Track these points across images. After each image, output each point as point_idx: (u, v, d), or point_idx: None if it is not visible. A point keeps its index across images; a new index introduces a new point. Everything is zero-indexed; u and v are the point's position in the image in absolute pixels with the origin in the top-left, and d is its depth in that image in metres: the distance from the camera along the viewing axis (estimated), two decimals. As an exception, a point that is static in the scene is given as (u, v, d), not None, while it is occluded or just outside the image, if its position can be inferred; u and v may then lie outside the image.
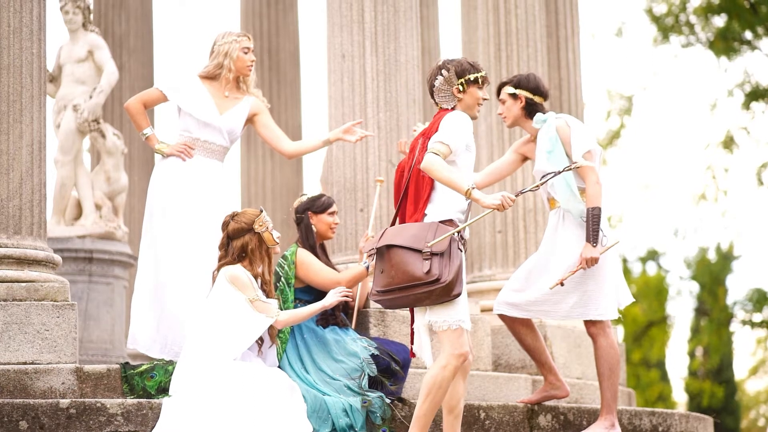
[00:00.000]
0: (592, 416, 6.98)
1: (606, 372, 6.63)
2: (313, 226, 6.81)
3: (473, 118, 6.01)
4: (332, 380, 6.37)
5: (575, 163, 6.07)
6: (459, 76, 5.94)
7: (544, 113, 6.79)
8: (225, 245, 6.22)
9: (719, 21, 19.02)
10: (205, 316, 6.08)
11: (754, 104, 19.28)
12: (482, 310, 7.76)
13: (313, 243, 6.80)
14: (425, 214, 5.82)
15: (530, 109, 6.79)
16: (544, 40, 8.79)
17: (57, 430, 5.74)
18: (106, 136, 9.60)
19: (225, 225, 6.25)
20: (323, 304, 6.26)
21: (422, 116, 7.67)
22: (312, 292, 6.70)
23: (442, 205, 5.82)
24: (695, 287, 25.11)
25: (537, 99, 6.81)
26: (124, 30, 11.15)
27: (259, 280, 6.18)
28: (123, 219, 9.83)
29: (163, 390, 6.24)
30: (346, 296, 6.31)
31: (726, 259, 25.37)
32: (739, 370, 29.54)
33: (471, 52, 8.71)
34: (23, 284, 6.37)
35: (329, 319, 6.64)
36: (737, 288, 39.09)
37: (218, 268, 6.19)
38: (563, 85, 9.17)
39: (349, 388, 6.33)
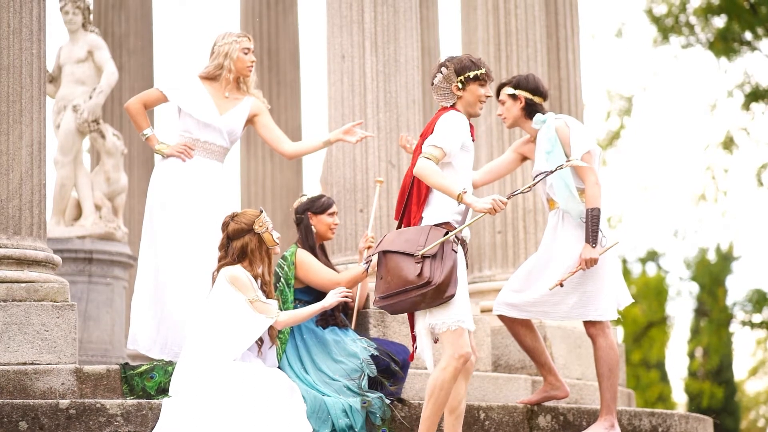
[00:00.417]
0: (592, 417, 6.98)
1: (605, 372, 6.63)
2: (312, 226, 6.81)
3: (475, 115, 5.99)
4: (332, 381, 6.37)
5: (569, 160, 6.05)
6: (458, 73, 5.93)
7: (543, 114, 6.79)
8: (225, 246, 6.22)
9: (719, 22, 19.03)
10: (205, 317, 6.08)
11: (753, 105, 19.29)
12: (482, 311, 7.76)
13: (313, 244, 6.80)
14: (422, 217, 5.84)
15: (530, 110, 6.79)
16: (544, 40, 8.79)
17: (57, 430, 5.74)
18: (106, 136, 9.60)
19: (225, 225, 6.25)
20: (323, 304, 6.26)
21: (422, 117, 7.67)
22: (312, 293, 6.70)
23: (438, 208, 5.82)
24: (695, 288, 25.12)
25: (537, 99, 6.81)
26: (124, 30, 11.15)
27: (259, 281, 6.18)
28: (123, 219, 9.83)
29: (163, 390, 6.24)
30: (346, 296, 6.31)
31: (726, 259, 25.37)
32: (739, 370, 29.56)
33: (471, 52, 8.69)
34: (23, 285, 6.37)
35: (329, 319, 6.64)
36: (737, 289, 39.12)
37: (218, 269, 6.19)
38: (563, 85, 9.17)
39: (349, 389, 6.33)
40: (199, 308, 6.21)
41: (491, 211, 5.64)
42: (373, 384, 6.40)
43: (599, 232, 6.52)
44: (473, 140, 6.02)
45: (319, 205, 6.84)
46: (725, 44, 18.77)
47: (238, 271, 6.10)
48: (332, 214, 6.86)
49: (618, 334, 10.24)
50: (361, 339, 6.62)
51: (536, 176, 5.94)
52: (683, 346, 27.80)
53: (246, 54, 6.95)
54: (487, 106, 8.47)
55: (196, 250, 6.70)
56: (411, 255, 5.68)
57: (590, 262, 6.50)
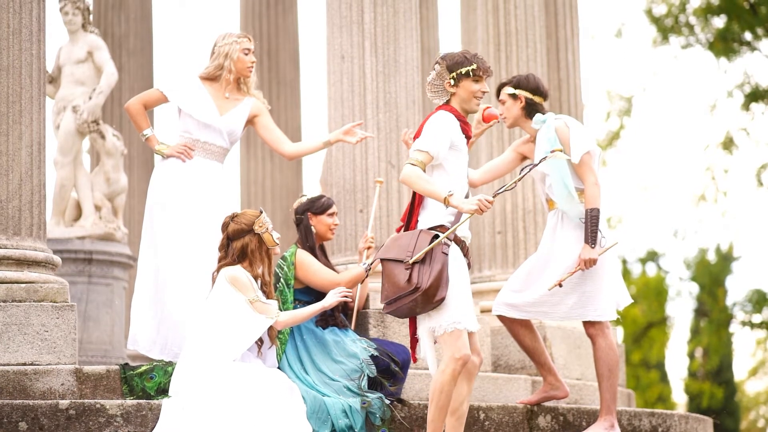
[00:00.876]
0: (592, 417, 6.98)
1: (605, 373, 6.63)
2: (312, 227, 6.81)
3: (472, 111, 5.96)
4: (332, 381, 6.37)
5: (553, 152, 6.01)
6: (450, 69, 5.90)
7: (543, 114, 6.79)
8: (225, 246, 6.22)
9: (719, 22, 19.02)
10: (205, 317, 6.08)
11: (753, 105, 19.28)
12: (482, 311, 7.77)
13: (313, 244, 6.80)
14: (418, 221, 5.85)
15: (530, 110, 6.79)
16: (544, 41, 8.79)
17: (56, 431, 5.74)
18: (106, 137, 9.60)
19: (225, 226, 6.25)
20: (323, 304, 6.26)
21: (422, 117, 7.66)
22: (311, 293, 6.70)
23: (433, 211, 5.82)
24: (695, 288, 25.12)
25: (537, 99, 6.81)
26: (124, 31, 11.15)
27: (259, 281, 6.18)
28: (122, 220, 9.83)
29: (163, 391, 6.24)
30: (346, 296, 6.31)
31: (726, 260, 25.36)
32: (739, 371, 29.56)
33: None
34: (23, 285, 6.37)
35: (329, 320, 6.64)
36: (737, 289, 39.12)
37: (218, 269, 6.19)
38: (563, 86, 9.17)
39: (349, 389, 6.33)
40: (199, 309, 6.21)
41: (478, 212, 5.63)
42: (373, 384, 6.40)
43: (598, 233, 6.52)
44: (470, 137, 5.98)
45: (318, 206, 6.84)
46: (725, 44, 18.77)
47: (238, 271, 6.10)
48: (332, 214, 6.86)
49: (618, 335, 10.24)
50: (360, 339, 6.62)
51: (522, 170, 5.91)
52: (683, 347, 27.83)
53: (246, 54, 6.95)
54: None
55: (196, 250, 6.70)
56: (401, 261, 5.71)
57: (589, 263, 6.50)
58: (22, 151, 6.53)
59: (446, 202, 5.67)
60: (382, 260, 5.82)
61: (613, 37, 22.15)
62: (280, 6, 11.60)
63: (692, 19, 19.26)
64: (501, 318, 6.91)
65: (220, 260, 6.22)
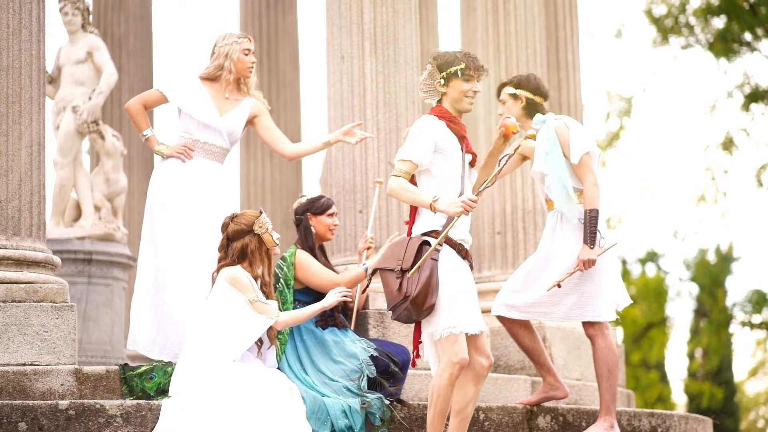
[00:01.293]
0: (591, 417, 6.98)
1: (605, 373, 6.63)
2: (312, 227, 6.82)
3: (464, 111, 5.91)
4: (331, 381, 6.37)
5: (526, 138, 5.94)
6: (440, 69, 5.87)
7: (544, 113, 6.79)
8: (225, 247, 6.22)
9: (719, 22, 19.02)
10: (204, 318, 6.08)
11: (753, 106, 19.27)
12: (481, 312, 7.75)
13: (313, 244, 6.80)
14: (413, 227, 5.86)
15: (531, 109, 6.79)
16: (544, 41, 8.79)
17: (56, 431, 5.74)
18: (106, 137, 9.60)
19: (225, 226, 6.25)
20: (323, 304, 6.26)
21: (421, 117, 7.66)
22: (311, 294, 6.70)
23: (426, 217, 5.82)
24: (695, 289, 25.11)
25: (537, 99, 6.81)
26: (124, 31, 11.15)
27: (259, 282, 6.18)
28: (122, 220, 9.83)
29: (163, 391, 6.24)
30: (346, 296, 6.31)
31: (725, 260, 25.35)
32: (739, 371, 29.55)
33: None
34: (22, 285, 6.37)
35: (328, 320, 6.64)
36: (737, 289, 39.13)
37: (218, 270, 6.19)
38: (562, 86, 9.17)
39: (348, 390, 6.33)
40: (199, 309, 6.21)
41: (464, 212, 5.62)
42: (373, 385, 6.40)
43: (597, 233, 6.52)
44: (463, 136, 5.89)
45: (318, 206, 6.84)
46: (725, 45, 18.77)
47: (238, 271, 6.10)
48: (332, 214, 6.86)
49: (617, 335, 10.26)
50: (360, 340, 6.62)
51: (499, 162, 5.88)
52: (683, 347, 27.83)
53: (246, 55, 6.95)
54: (487, 107, 8.48)
55: (196, 251, 6.69)
56: (392, 270, 5.74)
57: (588, 263, 6.50)
58: (21, 152, 6.53)
59: (432, 208, 5.67)
60: (378, 269, 5.84)
61: (613, 38, 22.15)
62: (279, 6, 11.60)
63: (692, 20, 19.26)
64: (500, 318, 6.91)
65: (219, 260, 6.22)
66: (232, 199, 7.09)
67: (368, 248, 6.89)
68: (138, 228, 7.79)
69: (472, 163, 6.02)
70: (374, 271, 6.02)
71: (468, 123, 8.53)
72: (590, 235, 6.49)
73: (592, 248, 6.50)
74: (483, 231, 8.58)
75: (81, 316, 9.09)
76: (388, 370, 6.48)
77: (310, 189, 11.37)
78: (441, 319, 5.68)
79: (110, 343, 9.40)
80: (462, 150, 5.86)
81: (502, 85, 6.92)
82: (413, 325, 5.85)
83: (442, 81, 5.87)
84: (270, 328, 6.12)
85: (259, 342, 6.14)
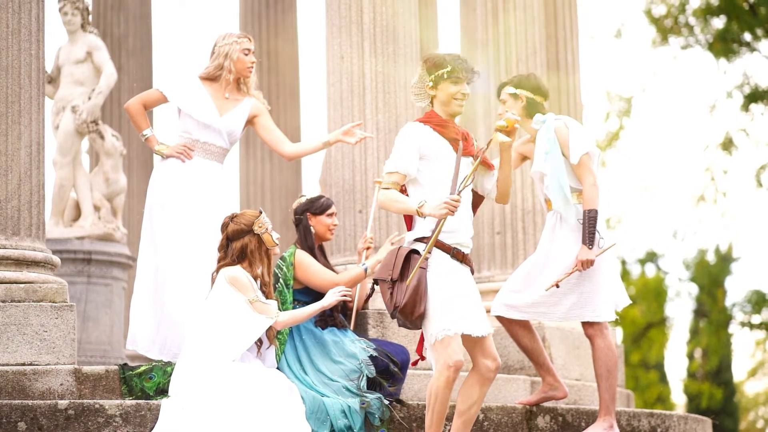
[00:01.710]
0: (591, 417, 6.98)
1: (604, 373, 6.63)
2: (311, 227, 6.82)
3: (454, 114, 5.88)
4: (331, 381, 6.37)
5: (496, 131, 5.89)
6: (429, 72, 5.86)
7: (544, 113, 6.79)
8: (224, 246, 6.21)
9: (718, 22, 19.02)
10: (204, 318, 6.07)
11: (753, 106, 19.27)
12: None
13: (312, 244, 6.80)
14: (407, 235, 5.90)
15: (531, 109, 6.79)
16: (543, 41, 8.78)
17: (55, 431, 5.74)
18: (105, 137, 9.60)
19: (224, 226, 6.25)
20: (322, 304, 6.26)
21: (421, 118, 7.67)
22: (310, 294, 6.70)
23: (419, 224, 5.82)
24: (694, 289, 25.10)
25: (538, 98, 6.81)
26: (123, 31, 11.15)
27: (259, 281, 6.18)
28: (122, 220, 9.83)
29: (162, 391, 6.24)
30: (345, 295, 6.31)
31: (725, 260, 25.35)
32: (738, 371, 29.55)
33: (470, 53, 8.71)
34: (22, 285, 6.37)
35: (328, 320, 6.64)
36: (736, 290, 39.14)
37: (217, 270, 6.19)
38: (562, 86, 9.17)
39: (348, 390, 6.33)
40: (199, 309, 6.21)
41: (449, 213, 5.60)
42: (372, 385, 6.40)
43: (596, 234, 6.52)
44: (457, 138, 5.84)
45: (318, 206, 6.84)
46: (724, 45, 18.76)
47: (238, 271, 6.09)
48: (331, 214, 6.86)
49: (617, 335, 10.26)
50: (360, 340, 6.62)
51: (475, 156, 5.85)
52: (682, 347, 27.83)
53: (246, 55, 6.95)
54: (486, 107, 8.48)
55: (196, 250, 6.69)
56: (385, 281, 5.77)
57: (586, 264, 6.50)
58: (21, 151, 6.53)
59: (419, 213, 5.68)
60: (376, 279, 5.88)
61: (613, 38, 22.14)
62: (279, 6, 11.60)
63: (692, 20, 19.25)
64: (499, 318, 6.91)
65: (219, 260, 6.22)
66: (231, 199, 7.09)
67: (368, 248, 6.89)
68: (137, 228, 7.78)
69: (484, 162, 5.96)
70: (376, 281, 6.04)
71: (468, 123, 8.56)
72: (589, 236, 6.50)
73: (590, 248, 6.50)
74: (482, 231, 8.58)
75: (80, 316, 9.09)
76: (388, 370, 6.47)
77: (310, 189, 11.37)
78: (434, 323, 5.68)
79: (110, 343, 9.40)
80: (458, 152, 5.82)
81: (503, 85, 6.92)
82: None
83: (431, 84, 5.86)
84: (269, 328, 6.12)
85: (259, 342, 6.14)
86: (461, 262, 5.82)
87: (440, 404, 5.72)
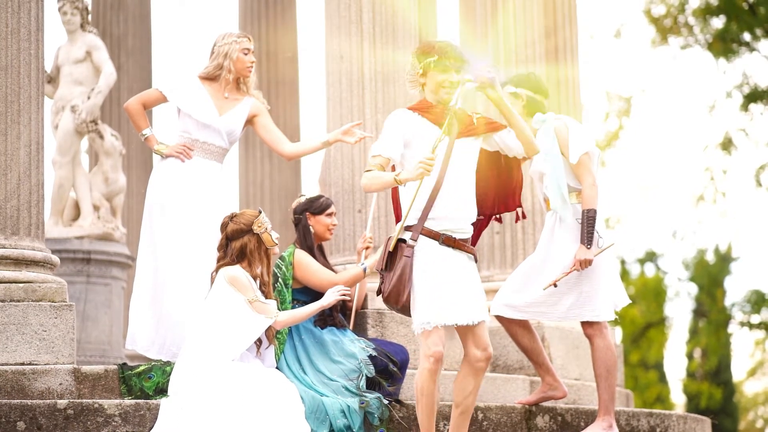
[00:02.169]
0: (590, 417, 6.98)
1: (603, 373, 6.64)
2: (311, 227, 6.82)
3: (444, 102, 5.83)
4: (330, 381, 6.37)
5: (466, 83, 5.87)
6: (419, 60, 5.85)
7: (545, 112, 6.79)
8: (224, 246, 6.21)
9: (718, 22, 19.02)
10: (203, 317, 6.07)
11: (752, 106, 19.27)
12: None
13: (311, 244, 6.80)
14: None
15: (532, 108, 6.79)
16: (543, 41, 8.79)
17: (55, 430, 5.74)
18: (104, 136, 9.61)
19: (224, 226, 6.25)
20: (321, 303, 6.26)
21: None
22: (309, 293, 6.70)
23: (406, 214, 5.82)
24: (693, 289, 25.12)
25: (539, 97, 6.81)
26: (123, 31, 11.15)
27: (258, 281, 6.18)
28: (121, 220, 9.83)
29: (161, 391, 6.24)
30: (344, 295, 6.31)
31: (724, 260, 25.37)
32: (738, 371, 29.58)
33: (469, 53, 8.69)
34: (21, 285, 6.37)
35: (327, 320, 6.64)
36: (736, 289, 39.19)
37: (217, 269, 6.18)
38: (561, 86, 9.16)
39: (347, 389, 6.33)
40: (198, 309, 6.21)
41: (425, 173, 5.57)
42: (371, 384, 6.40)
43: (595, 233, 6.53)
44: (451, 124, 5.79)
45: (317, 206, 6.84)
46: (724, 45, 18.77)
47: (237, 271, 6.09)
48: (330, 214, 6.86)
49: (616, 335, 10.26)
50: (359, 339, 6.62)
51: (447, 114, 5.80)
52: (682, 347, 27.84)
53: (246, 54, 6.94)
54: (486, 104, 8.47)
55: (195, 250, 6.69)
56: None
57: (584, 263, 6.50)
58: (20, 151, 6.53)
59: (397, 182, 5.68)
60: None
61: (612, 38, 22.15)
62: (278, 6, 11.60)
63: (691, 20, 19.26)
64: (499, 318, 6.91)
65: (218, 260, 6.21)
66: (231, 198, 7.09)
67: (367, 248, 6.89)
68: (137, 227, 7.79)
69: (489, 124, 5.89)
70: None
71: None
72: (587, 235, 6.50)
73: (589, 248, 6.50)
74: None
75: (80, 316, 9.09)
76: (387, 369, 6.48)
77: (309, 188, 11.37)
78: (417, 316, 5.71)
79: (109, 343, 9.40)
80: (451, 136, 5.77)
81: (502, 84, 6.91)
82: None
83: (421, 71, 5.85)
84: (269, 328, 6.12)
85: (258, 342, 6.14)
86: (454, 248, 5.79)
87: (426, 397, 5.71)
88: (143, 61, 11.29)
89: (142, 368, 6.37)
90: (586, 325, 6.71)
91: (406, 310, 5.75)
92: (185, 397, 5.80)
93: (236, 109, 6.97)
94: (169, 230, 6.78)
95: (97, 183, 9.64)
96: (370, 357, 6.46)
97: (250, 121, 7.05)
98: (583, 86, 9.35)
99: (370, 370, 6.42)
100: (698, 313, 25.34)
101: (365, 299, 7.05)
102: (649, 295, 24.95)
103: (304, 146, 7.20)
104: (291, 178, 11.46)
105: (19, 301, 6.33)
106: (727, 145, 20.03)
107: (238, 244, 6.15)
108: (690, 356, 26.99)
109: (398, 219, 5.97)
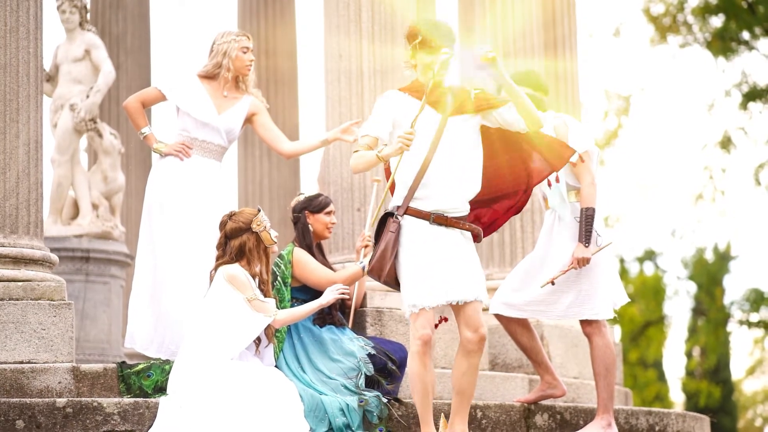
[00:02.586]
0: (589, 415, 6.98)
1: (602, 371, 6.64)
2: (310, 225, 6.82)
3: (435, 83, 5.78)
4: (329, 379, 6.37)
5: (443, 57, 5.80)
6: (408, 42, 5.86)
7: (545, 109, 6.79)
8: (223, 245, 6.21)
9: (717, 21, 19.03)
10: (202, 316, 6.07)
11: (751, 104, 19.28)
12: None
13: (310, 242, 6.80)
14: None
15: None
16: (542, 39, 8.79)
17: (54, 429, 5.74)
18: (103, 135, 9.60)
19: (223, 224, 6.25)
20: (320, 302, 6.26)
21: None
22: (308, 292, 6.70)
23: (395, 194, 5.85)
24: (692, 287, 25.13)
25: (538, 94, 6.80)
26: (121, 29, 11.15)
27: (257, 280, 6.18)
28: (120, 218, 9.83)
29: (160, 389, 6.24)
30: (343, 293, 6.31)
31: (723, 259, 25.39)
32: (736, 370, 29.61)
33: (468, 52, 8.69)
34: (20, 283, 6.37)
35: (326, 318, 6.65)
36: (734, 288, 39.18)
37: (216, 268, 6.18)
38: (560, 84, 9.17)
39: (346, 388, 6.33)
40: (197, 307, 6.20)
41: (405, 148, 5.59)
42: (370, 383, 6.40)
43: (594, 232, 6.53)
44: (436, 100, 5.77)
45: (316, 204, 6.84)
46: (723, 44, 18.77)
47: (236, 270, 6.09)
48: (329, 213, 6.86)
49: (615, 333, 10.27)
50: (358, 338, 6.62)
51: (427, 86, 5.79)
52: (681, 346, 27.85)
53: (245, 53, 6.94)
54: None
55: (194, 249, 6.69)
56: None
57: (582, 262, 6.51)
58: (19, 150, 6.53)
59: (379, 158, 5.69)
60: None
61: (611, 36, 22.14)
62: (278, 4, 11.60)
63: (690, 18, 19.26)
64: (498, 317, 6.91)
65: (217, 259, 6.21)
66: (230, 197, 7.09)
67: (366, 246, 6.88)
68: (136, 226, 7.79)
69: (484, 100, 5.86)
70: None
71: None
72: (586, 234, 6.50)
73: (587, 246, 6.50)
74: (481, 229, 8.57)
75: (79, 314, 9.09)
76: (386, 368, 6.48)
77: (308, 187, 11.36)
78: (405, 297, 5.74)
79: (108, 341, 9.40)
80: (444, 114, 5.76)
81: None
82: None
83: (410, 53, 5.85)
84: (268, 327, 6.12)
85: (257, 340, 6.14)
86: (447, 226, 5.76)
87: (418, 381, 5.72)
88: (142, 60, 11.28)
89: (141, 367, 6.36)
90: (585, 323, 6.71)
91: (390, 284, 5.79)
92: (184, 395, 5.80)
93: (235, 107, 6.97)
94: (168, 229, 6.78)
95: (96, 182, 9.63)
96: (369, 355, 6.46)
97: (249, 120, 7.05)
98: (582, 85, 9.35)
99: (369, 369, 6.42)
100: (697, 311, 25.35)
101: (364, 298, 7.05)
102: (648, 294, 24.96)
103: (303, 145, 7.21)
104: (290, 176, 11.46)
105: (17, 299, 6.33)
106: (726, 143, 20.04)
107: (237, 243, 6.15)
108: (689, 355, 27.01)
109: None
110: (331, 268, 6.84)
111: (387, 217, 5.79)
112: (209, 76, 6.97)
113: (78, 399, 5.85)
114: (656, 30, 19.78)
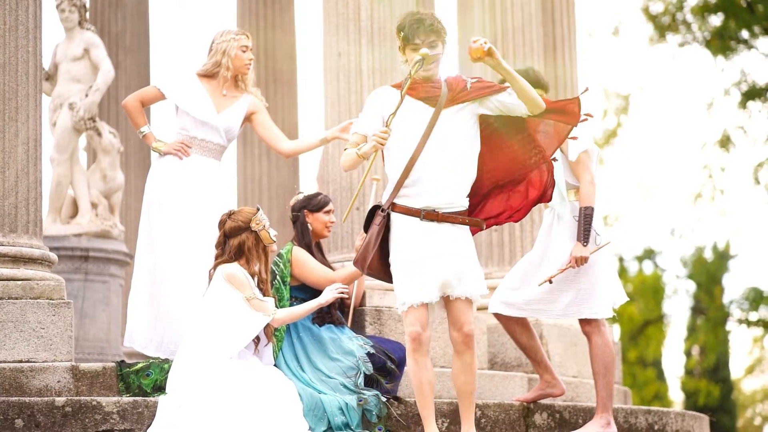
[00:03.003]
0: (588, 414, 6.98)
1: (601, 370, 6.64)
2: (309, 224, 6.82)
3: (426, 78, 5.76)
4: (328, 378, 6.37)
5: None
6: (397, 37, 5.85)
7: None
8: (222, 244, 6.21)
9: (716, 20, 19.03)
10: (201, 315, 6.07)
11: (750, 103, 19.28)
12: (478, 309, 7.75)
13: (309, 241, 6.80)
14: None
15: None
16: (541, 39, 8.79)
17: (53, 428, 5.74)
18: (102, 134, 9.60)
19: (222, 223, 6.24)
20: (319, 301, 6.26)
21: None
22: (307, 291, 6.70)
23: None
24: (692, 286, 25.14)
25: (539, 91, 6.79)
26: (121, 28, 11.15)
27: (256, 279, 6.18)
28: (119, 217, 9.83)
29: (159, 388, 6.24)
30: (342, 292, 6.31)
31: (722, 258, 25.39)
32: (736, 368, 29.60)
33: (467, 51, 8.69)
34: (19, 282, 6.37)
35: (325, 317, 6.65)
36: (734, 287, 39.17)
37: (215, 267, 6.18)
38: (560, 84, 9.17)
39: (345, 387, 6.33)
40: (196, 306, 6.20)
41: (379, 145, 5.61)
42: (369, 382, 6.40)
43: (593, 231, 6.53)
44: (429, 95, 5.74)
45: (315, 203, 6.84)
46: (722, 42, 18.77)
47: (235, 269, 6.09)
48: (328, 212, 6.86)
49: (614, 332, 10.28)
50: (357, 337, 6.62)
51: (405, 81, 5.78)
52: (680, 344, 27.85)
53: (244, 52, 6.94)
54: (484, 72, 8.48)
55: (193, 248, 6.69)
56: None
57: (580, 260, 6.50)
58: (18, 148, 6.53)
59: (359, 156, 5.71)
60: None
61: (611, 35, 22.14)
62: (277, 3, 11.59)
63: (689, 17, 19.26)
64: (497, 316, 6.91)
65: (216, 258, 6.21)
66: (229, 196, 7.09)
67: (365, 245, 6.88)
68: (135, 225, 7.79)
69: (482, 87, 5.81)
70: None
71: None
72: (584, 233, 6.50)
73: (585, 245, 6.50)
74: (480, 228, 8.57)
75: (78, 313, 9.09)
76: (385, 367, 6.48)
77: (307, 186, 11.37)
78: (397, 295, 5.74)
79: (107, 340, 9.40)
80: (436, 107, 5.71)
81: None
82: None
83: (401, 48, 5.83)
84: (267, 325, 6.12)
85: (256, 339, 6.14)
86: (439, 221, 5.71)
87: (415, 378, 5.71)
88: (141, 59, 11.28)
89: (140, 366, 6.36)
90: (584, 322, 6.71)
91: (379, 276, 5.82)
92: (183, 394, 5.80)
93: (234, 106, 6.97)
94: (167, 228, 6.78)
95: (95, 180, 9.63)
96: (368, 354, 6.46)
97: (248, 119, 7.05)
98: (581, 84, 9.34)
99: (368, 368, 6.42)
100: (696, 310, 25.36)
101: (363, 297, 7.05)
102: (648, 293, 24.97)
103: (302, 143, 7.21)
104: (289, 175, 11.46)
105: (17, 298, 6.33)
106: (725, 142, 20.04)
107: (236, 242, 6.15)
108: (688, 353, 27.01)
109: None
110: (331, 267, 6.84)
111: (376, 209, 5.82)
112: (208, 75, 6.97)
113: (77, 398, 5.85)
114: (655, 29, 19.78)
